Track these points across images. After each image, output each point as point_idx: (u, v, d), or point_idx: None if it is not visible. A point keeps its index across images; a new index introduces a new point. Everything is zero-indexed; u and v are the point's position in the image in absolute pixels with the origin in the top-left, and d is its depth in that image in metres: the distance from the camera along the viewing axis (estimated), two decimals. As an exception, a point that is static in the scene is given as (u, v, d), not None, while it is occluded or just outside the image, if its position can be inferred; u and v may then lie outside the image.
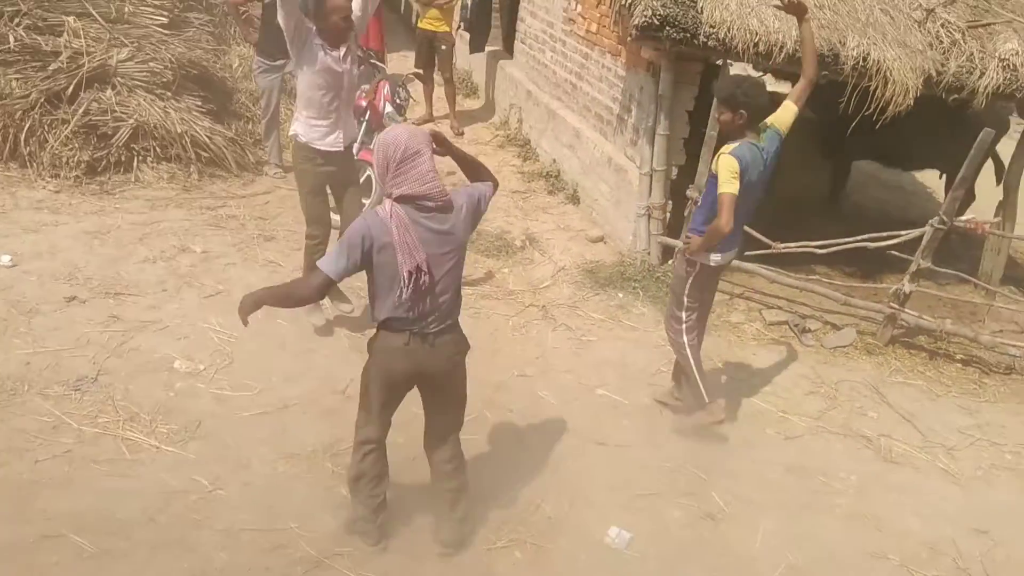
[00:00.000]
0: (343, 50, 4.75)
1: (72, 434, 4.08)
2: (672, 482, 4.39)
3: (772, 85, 8.64)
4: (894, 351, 5.95)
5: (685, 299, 4.55)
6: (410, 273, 3.11)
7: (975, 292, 6.66)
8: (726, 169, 4.07)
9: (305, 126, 4.85)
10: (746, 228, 5.94)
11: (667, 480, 4.40)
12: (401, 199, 3.12)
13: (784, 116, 4.38)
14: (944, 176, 8.04)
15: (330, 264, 3.15)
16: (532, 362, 5.31)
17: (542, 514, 4.02)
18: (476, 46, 9.96)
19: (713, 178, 4.22)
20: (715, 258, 4.40)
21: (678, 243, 6.21)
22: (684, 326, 4.59)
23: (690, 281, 4.51)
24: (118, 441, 4.08)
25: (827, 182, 8.54)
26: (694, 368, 4.59)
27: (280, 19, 4.53)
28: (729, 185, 4.06)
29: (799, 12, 4.43)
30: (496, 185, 3.48)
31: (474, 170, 3.48)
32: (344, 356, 5.00)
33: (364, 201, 6.77)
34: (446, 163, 3.49)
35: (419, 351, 3.31)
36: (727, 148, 4.17)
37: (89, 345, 4.77)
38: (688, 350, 4.59)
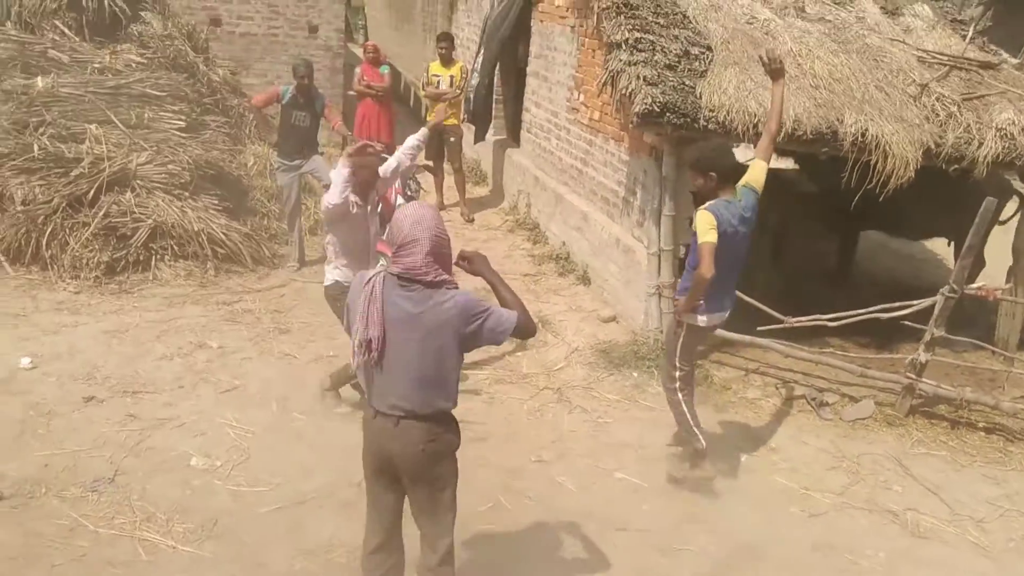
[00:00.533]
0: (369, 207, 5.19)
1: (89, 537, 4.07)
2: (695, 567, 4.30)
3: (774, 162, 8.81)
4: (915, 422, 5.88)
5: (677, 359, 4.80)
6: (360, 344, 3.10)
7: (993, 358, 6.60)
8: (703, 223, 4.38)
9: (342, 273, 5.13)
10: (759, 304, 6.03)
11: (690, 565, 4.31)
12: (391, 274, 3.16)
13: (756, 173, 4.67)
14: (952, 244, 8.08)
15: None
16: (549, 446, 5.28)
17: (564, 604, 3.94)
18: (479, 136, 10.25)
19: (694, 237, 4.47)
20: (701, 319, 4.65)
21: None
22: (677, 384, 4.83)
23: (680, 340, 4.76)
24: (135, 542, 4.06)
25: (835, 254, 8.59)
26: (689, 419, 4.82)
27: (331, 224, 5.10)
28: (707, 235, 4.35)
29: (777, 76, 4.77)
30: (524, 326, 3.16)
31: (504, 301, 3.23)
32: (360, 446, 4.97)
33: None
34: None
35: (383, 431, 3.20)
36: (705, 205, 4.50)
37: (106, 445, 4.80)
38: (683, 405, 4.82)
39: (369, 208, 5.22)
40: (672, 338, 4.83)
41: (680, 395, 4.83)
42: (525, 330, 3.20)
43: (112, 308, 6.53)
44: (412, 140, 5.49)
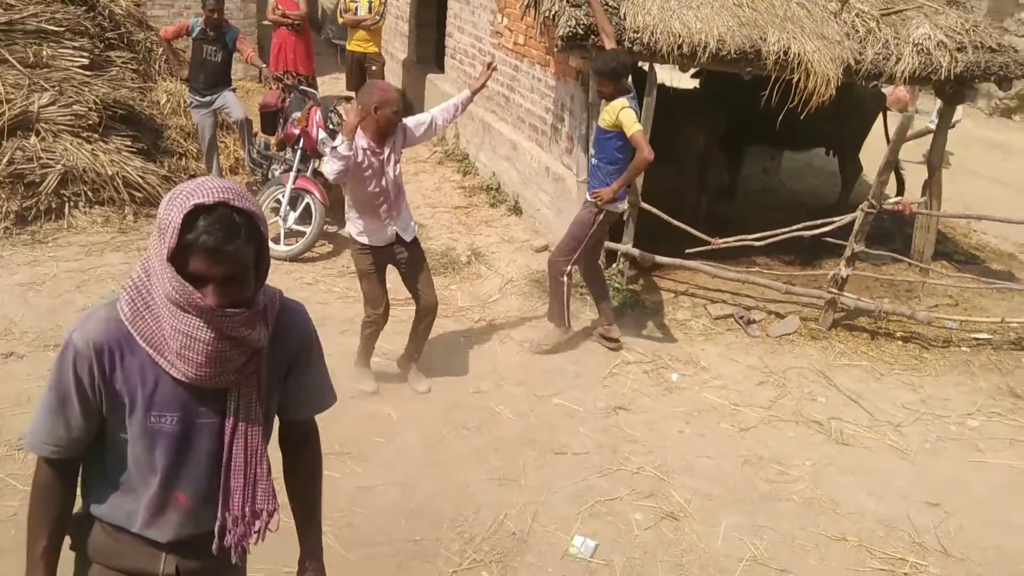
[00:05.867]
0: (387, 151, 4.64)
1: (18, 496, 3.95)
2: (632, 485, 4.43)
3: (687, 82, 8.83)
4: (837, 335, 6.10)
5: (582, 247, 5.39)
6: None
7: (910, 270, 6.86)
8: (629, 117, 5.05)
9: (358, 227, 4.75)
10: (686, 227, 6.12)
11: (627, 484, 4.44)
12: None
13: None
14: (830, 153, 8.62)
15: None
16: (486, 377, 5.32)
17: (506, 531, 4.02)
18: None
19: (607, 133, 5.21)
20: (621, 206, 5.47)
21: (620, 247, 6.30)
22: (572, 257, 5.43)
23: (595, 227, 5.38)
24: (67, 498, 3.97)
25: (736, 174, 8.75)
26: (566, 297, 5.52)
27: (337, 174, 4.48)
28: (637, 125, 5.06)
29: None
30: None
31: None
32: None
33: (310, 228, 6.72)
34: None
35: None
36: (620, 104, 5.09)
37: (30, 402, 4.63)
38: (567, 279, 5.46)
39: (387, 153, 4.64)
40: (586, 224, 5.37)
41: (569, 268, 5.44)
42: None
43: (26, 259, 6.25)
44: (456, 99, 5.03)
